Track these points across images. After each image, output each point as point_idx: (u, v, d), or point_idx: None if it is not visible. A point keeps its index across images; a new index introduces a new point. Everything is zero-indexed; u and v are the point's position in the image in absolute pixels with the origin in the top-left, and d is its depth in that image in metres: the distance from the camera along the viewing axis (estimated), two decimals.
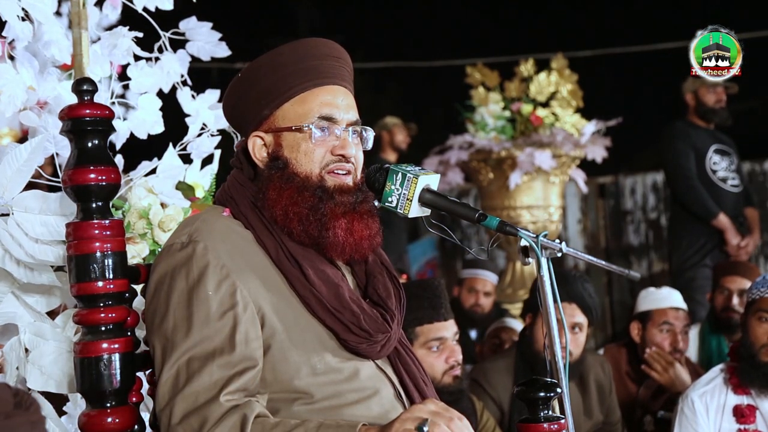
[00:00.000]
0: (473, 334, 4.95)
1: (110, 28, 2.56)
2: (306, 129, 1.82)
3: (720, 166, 5.41)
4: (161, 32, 2.58)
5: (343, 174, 1.84)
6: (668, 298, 3.81)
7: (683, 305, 3.81)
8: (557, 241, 1.83)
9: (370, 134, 1.91)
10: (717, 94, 5.39)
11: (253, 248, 1.81)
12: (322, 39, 1.91)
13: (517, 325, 4.36)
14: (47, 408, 1.92)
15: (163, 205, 2.31)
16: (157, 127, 2.52)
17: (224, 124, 2.54)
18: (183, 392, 1.65)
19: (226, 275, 1.73)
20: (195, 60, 2.64)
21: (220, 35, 2.62)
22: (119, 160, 2.37)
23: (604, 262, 2.00)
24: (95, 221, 1.77)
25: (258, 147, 1.87)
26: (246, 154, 1.89)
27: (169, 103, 2.58)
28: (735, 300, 4.15)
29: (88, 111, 1.78)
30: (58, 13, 2.68)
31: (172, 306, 1.72)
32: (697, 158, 5.37)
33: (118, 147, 2.54)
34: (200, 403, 1.65)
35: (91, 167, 1.77)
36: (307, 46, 1.88)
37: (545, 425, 1.76)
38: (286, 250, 1.80)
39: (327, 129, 1.84)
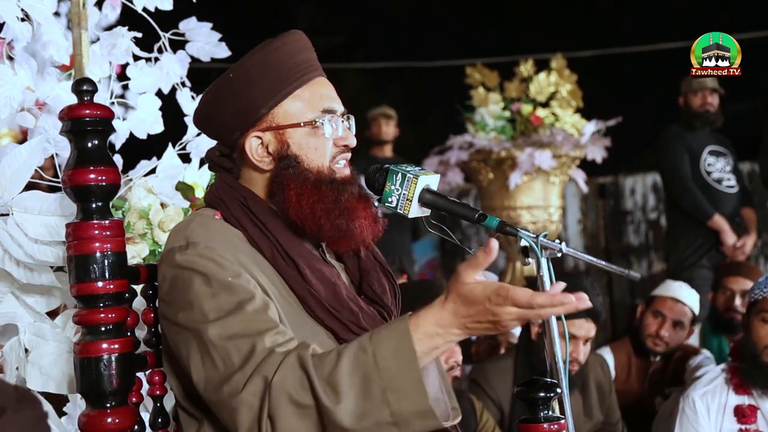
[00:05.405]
0: None
1: (110, 28, 2.56)
2: (319, 124, 1.83)
3: (715, 167, 5.42)
4: (161, 32, 2.58)
5: (344, 164, 1.87)
6: (672, 289, 3.93)
7: (686, 300, 3.89)
8: (557, 241, 1.82)
9: (353, 121, 1.93)
10: (701, 98, 5.41)
11: (249, 249, 1.79)
12: (296, 31, 1.91)
13: None
14: (47, 408, 1.91)
15: (162, 205, 2.30)
16: (157, 126, 2.52)
17: None
18: (243, 367, 1.60)
19: (236, 270, 1.70)
20: (195, 60, 2.64)
21: (219, 36, 2.62)
22: (118, 160, 2.36)
23: (604, 262, 1.99)
24: (95, 221, 1.77)
25: (254, 147, 1.86)
26: (240, 156, 1.88)
27: (168, 102, 2.58)
28: (737, 300, 4.16)
29: (87, 111, 1.78)
30: (57, 14, 2.67)
31: (194, 297, 1.67)
32: (691, 160, 5.39)
33: (117, 147, 2.54)
34: (258, 363, 1.59)
35: (91, 167, 1.77)
36: (292, 41, 1.87)
37: (545, 425, 1.76)
38: (281, 249, 1.79)
39: (330, 122, 1.85)
